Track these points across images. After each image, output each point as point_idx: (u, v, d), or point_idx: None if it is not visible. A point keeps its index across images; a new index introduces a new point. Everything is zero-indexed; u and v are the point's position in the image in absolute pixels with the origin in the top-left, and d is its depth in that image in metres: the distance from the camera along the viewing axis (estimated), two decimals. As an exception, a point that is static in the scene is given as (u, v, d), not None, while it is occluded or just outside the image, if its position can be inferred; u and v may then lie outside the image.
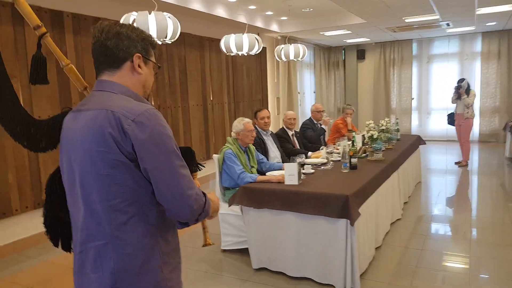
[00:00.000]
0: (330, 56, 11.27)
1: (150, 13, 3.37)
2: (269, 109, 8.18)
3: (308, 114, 10.43)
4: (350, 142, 3.72)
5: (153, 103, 1.37)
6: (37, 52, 1.34)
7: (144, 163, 1.13)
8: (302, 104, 9.94)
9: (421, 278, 3.02)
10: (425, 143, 6.02)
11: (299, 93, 9.58)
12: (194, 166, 1.50)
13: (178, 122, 5.79)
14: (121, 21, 3.46)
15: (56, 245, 1.37)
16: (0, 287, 3.15)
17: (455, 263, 3.31)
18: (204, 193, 1.25)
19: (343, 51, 11.12)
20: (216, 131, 6.45)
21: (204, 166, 1.59)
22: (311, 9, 6.68)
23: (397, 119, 6.08)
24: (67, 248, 1.36)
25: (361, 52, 10.93)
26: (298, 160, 3.41)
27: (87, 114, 1.17)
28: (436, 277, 3.04)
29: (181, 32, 5.70)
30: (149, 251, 1.18)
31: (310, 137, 5.16)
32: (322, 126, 5.35)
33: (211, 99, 6.46)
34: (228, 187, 3.52)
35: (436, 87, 10.15)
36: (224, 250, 3.63)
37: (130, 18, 3.39)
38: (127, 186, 1.14)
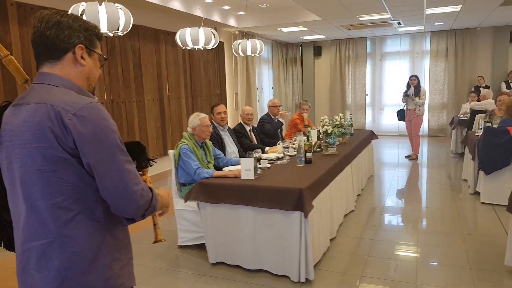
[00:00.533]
0: (288, 52, 11.42)
1: (100, 4, 3.24)
2: (227, 105, 8.19)
3: (267, 110, 10.60)
4: (305, 137, 3.80)
5: (96, 97, 1.32)
6: None
7: (87, 158, 1.09)
8: (261, 100, 10.01)
9: (373, 267, 3.16)
10: (377, 138, 6.28)
11: (257, 88, 9.64)
12: (144, 162, 1.47)
13: (133, 117, 5.64)
14: (69, 12, 3.30)
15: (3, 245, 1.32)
16: None
17: (406, 252, 3.48)
18: (151, 189, 1.23)
19: (300, 47, 11.31)
20: (173, 127, 6.34)
21: (155, 162, 1.57)
22: (268, 5, 6.73)
23: (351, 114, 6.29)
24: (10, 247, 1.30)
25: (317, 49, 11.17)
26: (255, 155, 3.45)
27: (26, 108, 1.11)
28: (388, 265, 3.19)
29: (135, 25, 5.57)
30: (97, 248, 1.15)
31: (268, 130, 5.22)
32: (280, 119, 5.43)
33: (168, 93, 6.34)
34: (184, 183, 3.49)
35: (388, 84, 10.60)
36: (181, 246, 3.60)
37: (79, 8, 3.25)
38: (71, 183, 1.10)
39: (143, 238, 3.89)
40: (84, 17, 3.15)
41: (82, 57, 1.19)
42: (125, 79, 5.48)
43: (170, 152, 3.58)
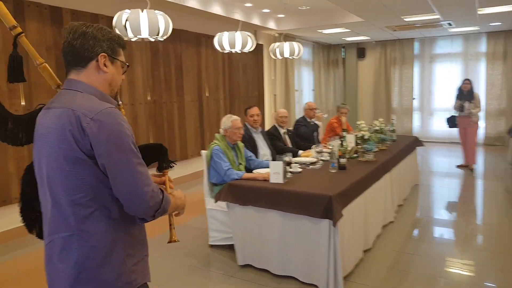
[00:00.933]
0: (330, 54, 11.23)
1: (142, 11, 3.37)
2: (265, 107, 8.21)
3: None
4: (337, 142, 3.71)
5: (121, 100, 1.40)
6: (13, 52, 1.37)
7: (101, 160, 1.16)
8: (300, 102, 9.91)
9: (409, 283, 2.99)
10: (422, 145, 5.94)
11: (297, 90, 9.56)
12: (165, 164, 1.53)
13: (173, 117, 5.81)
14: (115, 19, 3.47)
15: (31, 233, 1.42)
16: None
17: (452, 268, 3.24)
18: (162, 191, 1.28)
19: (342, 49, 11.08)
20: (211, 127, 6.46)
21: (175, 164, 1.61)
22: (308, 7, 6.66)
23: (392, 119, 6.05)
24: (41, 236, 1.39)
25: (361, 50, 10.89)
26: (286, 158, 3.43)
27: (53, 112, 1.21)
28: (428, 282, 3.01)
29: (177, 29, 5.75)
30: (112, 244, 1.22)
31: (304, 133, 5.16)
32: (316, 122, 5.35)
33: (207, 95, 6.47)
34: (215, 183, 3.53)
35: (439, 88, 10.05)
36: (212, 246, 3.65)
37: (123, 16, 3.40)
38: (88, 182, 1.18)
39: (178, 235, 3.99)
40: (127, 24, 3.29)
41: (105, 65, 1.27)
42: (167, 81, 5.66)
43: (203, 152, 3.64)
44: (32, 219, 1.37)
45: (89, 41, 1.24)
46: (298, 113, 9.50)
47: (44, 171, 1.22)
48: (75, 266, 1.20)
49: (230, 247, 3.46)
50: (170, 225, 1.53)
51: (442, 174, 6.75)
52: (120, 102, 1.43)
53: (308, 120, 5.34)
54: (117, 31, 3.47)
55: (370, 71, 10.89)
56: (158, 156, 1.54)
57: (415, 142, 5.65)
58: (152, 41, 5.13)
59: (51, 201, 1.22)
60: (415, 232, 4.03)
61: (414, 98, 10.38)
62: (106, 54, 1.27)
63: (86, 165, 1.17)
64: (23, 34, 1.35)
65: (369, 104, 11.02)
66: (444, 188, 5.77)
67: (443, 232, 4.10)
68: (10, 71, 1.38)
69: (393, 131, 5.30)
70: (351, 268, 3.11)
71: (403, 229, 4.10)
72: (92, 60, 1.26)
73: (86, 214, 1.19)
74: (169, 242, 1.53)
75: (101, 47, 1.26)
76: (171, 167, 1.56)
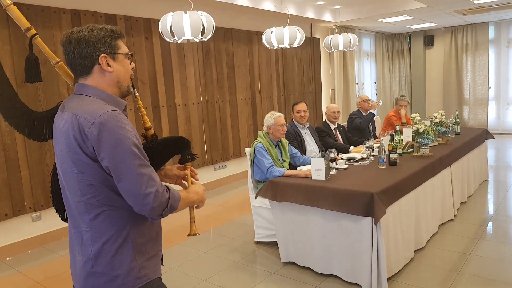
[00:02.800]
0: (394, 43, 10.62)
1: (185, 13, 3.49)
2: (322, 101, 8.03)
3: (369, 106, 10.05)
4: (389, 136, 3.51)
5: (138, 93, 1.42)
6: (29, 53, 1.46)
7: (104, 163, 1.20)
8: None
9: (461, 285, 2.76)
10: (493, 137, 5.40)
11: (357, 84, 9.21)
12: (188, 156, 1.54)
13: (226, 116, 5.93)
14: (160, 23, 3.62)
15: (64, 219, 1.50)
16: (19, 280, 3.52)
17: (508, 273, 2.95)
18: (168, 189, 1.28)
19: (408, 37, 10.42)
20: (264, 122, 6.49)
21: (197, 157, 1.63)
22: (365, -4, 6.37)
23: (456, 111, 5.56)
24: None
25: (429, 38, 10.15)
26: (332, 155, 3.32)
27: (63, 116, 1.27)
28: (481, 286, 2.76)
29: (228, 28, 5.85)
30: (122, 241, 1.27)
31: (360, 124, 4.97)
32: (371, 111, 5.13)
33: (260, 92, 6.50)
34: (259, 180, 3.54)
35: (517, 75, 9.06)
36: (257, 242, 3.68)
37: (167, 19, 3.54)
38: (95, 184, 1.23)
39: (225, 231, 4.10)
40: (171, 27, 3.38)
41: (108, 65, 1.29)
42: (219, 80, 5.79)
43: (247, 150, 3.67)
44: (63, 208, 1.47)
45: (84, 49, 1.26)
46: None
47: (61, 172, 1.30)
48: (89, 260, 1.27)
49: (275, 244, 3.45)
50: (190, 218, 1.53)
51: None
52: (137, 94, 1.45)
53: (363, 113, 5.13)
54: (163, 34, 3.63)
55: (439, 60, 10.12)
56: (179, 148, 1.53)
57: (483, 135, 5.14)
58: (203, 42, 5.29)
59: (70, 197, 1.30)
60: (477, 231, 3.67)
61: (489, 87, 9.44)
62: (105, 54, 1.28)
63: (91, 167, 1.21)
64: (38, 35, 1.44)
65: (438, 96, 10.25)
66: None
67: (504, 233, 3.69)
68: (27, 72, 1.49)
69: (457, 123, 4.87)
70: (399, 267, 2.94)
71: (464, 228, 3.78)
72: (94, 64, 1.28)
73: (97, 213, 1.25)
74: (189, 235, 1.53)
75: (98, 49, 1.27)
76: (193, 159, 1.56)
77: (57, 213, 1.52)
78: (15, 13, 1.41)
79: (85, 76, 1.30)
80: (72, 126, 1.21)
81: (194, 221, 1.55)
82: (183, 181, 1.57)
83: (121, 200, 1.25)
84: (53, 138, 1.35)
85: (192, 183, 1.52)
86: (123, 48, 1.34)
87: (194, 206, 1.50)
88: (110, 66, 1.29)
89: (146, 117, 1.53)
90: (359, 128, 5.00)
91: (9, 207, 3.73)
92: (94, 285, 1.28)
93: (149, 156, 1.32)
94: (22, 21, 1.42)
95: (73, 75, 1.35)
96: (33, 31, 1.43)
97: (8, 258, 3.74)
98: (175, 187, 1.42)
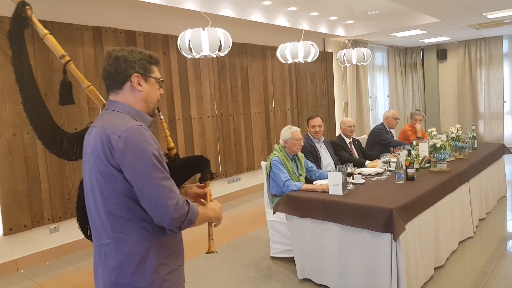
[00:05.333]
0: (407, 57, 10.62)
1: (203, 30, 3.56)
2: (335, 115, 8.03)
3: (381, 119, 10.01)
4: (406, 151, 3.50)
5: (162, 115, 1.48)
6: (63, 78, 1.55)
7: (127, 174, 1.25)
8: (374, 109, 9.53)
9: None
10: (510, 152, 5.33)
11: (370, 97, 9.21)
12: (207, 175, 1.59)
13: (240, 129, 5.97)
14: (179, 39, 3.70)
15: (86, 235, 1.56)
16: None
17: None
18: (188, 203, 1.32)
19: (421, 51, 10.42)
20: (277, 137, 6.47)
21: (216, 176, 1.67)
22: (377, 11, 6.41)
23: (473, 126, 5.52)
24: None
25: (442, 52, 10.13)
26: (349, 169, 3.32)
27: (94, 130, 1.33)
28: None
29: (243, 43, 5.94)
30: (145, 253, 1.30)
31: (390, 142, 4.92)
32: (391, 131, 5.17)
33: (273, 106, 6.54)
34: (275, 194, 3.55)
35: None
36: (273, 257, 3.65)
37: (186, 35, 3.62)
38: (120, 195, 1.27)
39: (239, 245, 4.09)
40: (190, 43, 3.48)
41: (139, 84, 1.36)
42: (233, 94, 5.86)
43: (263, 163, 3.68)
44: (86, 224, 1.51)
45: (121, 65, 1.34)
46: (373, 121, 9.14)
47: (88, 184, 1.35)
48: (112, 272, 1.30)
49: (291, 259, 3.43)
50: (209, 236, 1.56)
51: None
52: (161, 117, 1.53)
53: (388, 129, 5.14)
54: (181, 50, 3.71)
55: (453, 73, 10.07)
56: (200, 167, 1.59)
57: (501, 150, 5.08)
58: (219, 57, 5.38)
59: (94, 210, 1.34)
60: (497, 249, 3.60)
61: (505, 101, 9.34)
62: (138, 74, 1.36)
63: (117, 179, 1.26)
64: (71, 62, 1.51)
65: (452, 109, 10.17)
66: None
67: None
68: (61, 95, 1.56)
69: (473, 138, 4.83)
70: (419, 286, 2.89)
71: (483, 245, 3.71)
72: (127, 81, 1.36)
73: (121, 224, 1.29)
74: (207, 252, 1.56)
75: (133, 68, 1.35)
76: (212, 178, 1.61)
77: (80, 229, 1.56)
78: (51, 41, 1.50)
79: (116, 92, 1.37)
80: (101, 138, 1.27)
81: (212, 239, 1.58)
82: (202, 199, 1.61)
83: (143, 212, 1.28)
84: (83, 155, 1.40)
85: (211, 201, 1.56)
86: (157, 73, 1.42)
87: (213, 224, 1.54)
88: (141, 86, 1.37)
89: (170, 138, 1.62)
90: (384, 143, 4.96)
91: (29, 218, 3.79)
92: None
93: (171, 174, 1.36)
94: (57, 49, 1.50)
95: (106, 90, 1.41)
96: (67, 58, 1.51)
97: (21, 271, 3.78)
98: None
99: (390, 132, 5.26)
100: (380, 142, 5.01)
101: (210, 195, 1.59)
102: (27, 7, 1.56)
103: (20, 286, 3.48)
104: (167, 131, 1.62)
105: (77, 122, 4.07)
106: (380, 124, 5.31)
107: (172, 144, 1.61)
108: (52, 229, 3.98)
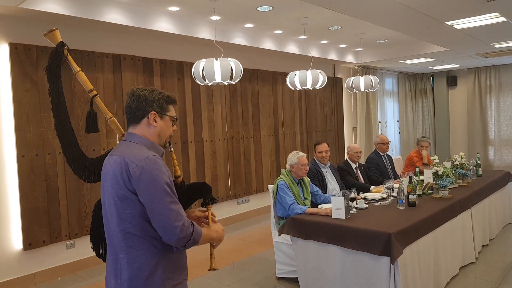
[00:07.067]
0: (417, 83, 10.77)
1: (216, 59, 3.81)
2: (344, 139, 8.17)
3: (391, 143, 10.10)
4: (408, 178, 3.62)
5: (172, 147, 1.67)
6: (90, 109, 1.77)
7: (141, 198, 1.44)
8: (384, 134, 9.64)
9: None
10: (515, 180, 5.40)
11: (380, 122, 9.34)
12: (209, 199, 1.77)
13: (249, 152, 6.16)
14: (193, 68, 3.96)
15: (98, 255, 1.76)
16: None
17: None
18: (193, 224, 1.50)
19: (431, 78, 10.56)
20: (287, 160, 6.67)
21: (217, 201, 1.85)
22: (386, 40, 6.63)
23: (478, 153, 5.60)
24: (104, 259, 1.71)
25: (452, 78, 10.26)
26: (352, 194, 3.45)
27: (113, 158, 1.53)
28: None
29: (254, 69, 6.20)
30: (154, 267, 1.48)
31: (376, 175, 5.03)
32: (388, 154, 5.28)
33: (283, 129, 6.73)
34: (281, 216, 3.69)
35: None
36: (279, 278, 3.77)
37: (200, 64, 3.87)
38: (135, 215, 1.45)
39: (246, 265, 4.21)
40: (203, 72, 3.72)
41: (155, 120, 1.56)
42: (244, 117, 6.08)
43: (270, 186, 3.85)
44: (98, 244, 1.70)
45: (142, 102, 1.53)
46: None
47: (106, 205, 1.53)
48: (125, 283, 1.47)
49: (296, 280, 3.54)
50: (211, 255, 1.74)
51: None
52: (172, 149, 1.74)
53: (381, 154, 5.25)
54: (195, 78, 3.96)
55: (463, 100, 10.16)
56: (203, 193, 1.78)
57: (506, 178, 5.14)
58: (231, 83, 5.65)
59: (111, 228, 1.52)
60: (500, 275, 3.64)
61: (515, 128, 9.37)
62: (155, 112, 1.54)
63: (132, 201, 1.44)
64: (98, 95, 1.74)
65: (462, 136, 10.21)
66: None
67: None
68: (87, 124, 1.79)
69: (478, 165, 4.91)
70: (418, 310, 2.96)
71: (486, 271, 3.76)
72: (145, 117, 1.55)
73: (134, 241, 1.46)
74: (209, 269, 1.73)
75: (152, 107, 1.54)
76: (213, 203, 1.80)
77: (93, 248, 1.75)
78: (82, 78, 1.74)
79: (135, 125, 1.57)
80: (120, 166, 1.46)
81: (214, 257, 1.76)
82: (203, 223, 1.77)
83: (153, 231, 1.46)
84: (102, 177, 1.60)
85: (214, 222, 1.73)
86: (172, 112, 1.62)
87: (213, 244, 1.71)
88: (156, 122, 1.56)
89: (178, 168, 1.83)
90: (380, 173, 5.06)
91: (47, 234, 4.00)
92: None
93: (178, 199, 1.53)
94: (87, 84, 1.74)
95: (127, 121, 1.61)
96: (95, 92, 1.75)
97: (38, 285, 3.96)
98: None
99: (385, 157, 5.32)
100: (372, 169, 5.07)
101: (214, 217, 1.76)
102: (65, 47, 1.80)
103: (36, 299, 3.66)
104: (175, 161, 1.82)
105: (95, 143, 4.33)
106: (373, 153, 5.34)
107: (179, 173, 1.80)
108: (68, 245, 4.18)
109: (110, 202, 1.50)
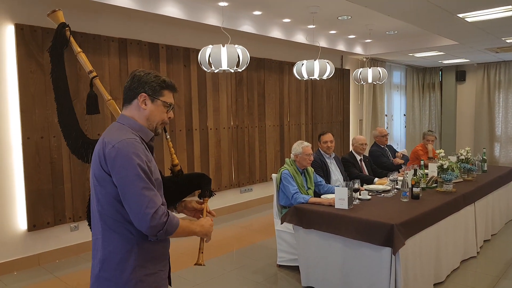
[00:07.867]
0: (425, 77, 10.66)
1: (223, 46, 3.78)
2: (350, 131, 8.13)
3: (397, 137, 10.05)
4: (412, 171, 3.61)
5: (168, 135, 1.62)
6: (90, 91, 1.77)
7: (115, 180, 1.40)
8: (390, 127, 9.59)
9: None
10: (521, 176, 5.35)
11: (386, 115, 9.28)
12: (207, 192, 1.73)
13: (254, 141, 6.16)
14: (199, 54, 3.93)
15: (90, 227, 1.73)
16: (55, 284, 3.70)
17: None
18: (168, 215, 1.42)
19: (440, 72, 10.45)
20: (291, 151, 6.66)
21: (215, 194, 1.82)
22: (396, 32, 6.55)
23: (484, 148, 5.56)
24: None
25: (461, 73, 10.14)
26: (356, 185, 3.45)
27: (99, 139, 1.51)
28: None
29: (261, 58, 6.15)
30: (126, 253, 1.44)
31: (386, 165, 5.03)
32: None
33: (288, 120, 6.71)
34: (284, 205, 3.70)
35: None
36: (279, 265, 3.79)
37: (207, 51, 3.85)
38: (109, 198, 1.42)
39: (248, 253, 4.23)
40: (210, 58, 3.68)
41: (145, 103, 1.50)
42: (250, 107, 6.06)
43: (273, 175, 3.85)
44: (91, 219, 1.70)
45: (134, 83, 1.49)
46: (390, 138, 9.17)
47: (91, 185, 1.50)
48: (98, 264, 1.46)
49: (296, 268, 3.57)
50: (199, 249, 1.68)
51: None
52: (168, 137, 1.69)
53: (382, 146, 5.24)
54: (201, 64, 3.94)
55: (471, 95, 10.06)
56: (201, 184, 1.74)
57: (511, 174, 5.10)
58: (237, 71, 5.61)
59: (93, 208, 1.50)
60: (501, 270, 3.64)
61: (523, 125, 9.27)
62: (145, 94, 1.48)
63: (108, 183, 1.40)
64: (97, 77, 1.74)
65: (469, 131, 10.13)
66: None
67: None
68: (88, 106, 1.78)
69: (484, 160, 4.88)
70: (418, 302, 2.97)
71: (486, 266, 3.77)
72: (135, 98, 1.50)
73: (109, 223, 1.43)
74: (195, 264, 1.67)
75: (143, 88, 1.48)
76: (211, 195, 1.75)
77: (89, 226, 1.75)
78: (83, 58, 1.74)
79: (126, 106, 1.54)
80: (100, 146, 1.44)
81: (202, 252, 1.69)
82: (200, 215, 1.72)
83: (129, 215, 1.41)
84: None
85: (207, 216, 1.68)
86: (167, 97, 1.54)
87: (204, 239, 1.65)
88: (146, 105, 1.50)
89: (175, 156, 1.77)
90: (385, 167, 5.05)
91: (52, 216, 4.04)
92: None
93: (174, 188, 1.49)
94: (87, 65, 1.75)
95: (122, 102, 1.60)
96: (94, 74, 1.74)
97: (42, 265, 4.02)
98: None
99: (386, 148, 5.32)
100: (378, 163, 5.08)
101: (208, 211, 1.70)
102: (66, 28, 1.80)
103: (41, 280, 3.71)
104: (172, 149, 1.77)
105: (100, 127, 4.33)
106: (373, 145, 5.37)
107: (176, 161, 1.75)
108: (72, 228, 4.23)
109: (92, 183, 1.48)
